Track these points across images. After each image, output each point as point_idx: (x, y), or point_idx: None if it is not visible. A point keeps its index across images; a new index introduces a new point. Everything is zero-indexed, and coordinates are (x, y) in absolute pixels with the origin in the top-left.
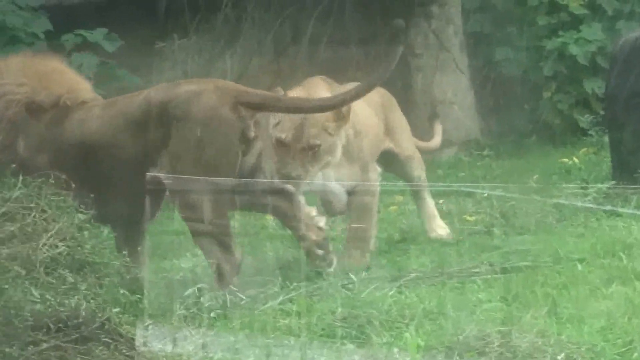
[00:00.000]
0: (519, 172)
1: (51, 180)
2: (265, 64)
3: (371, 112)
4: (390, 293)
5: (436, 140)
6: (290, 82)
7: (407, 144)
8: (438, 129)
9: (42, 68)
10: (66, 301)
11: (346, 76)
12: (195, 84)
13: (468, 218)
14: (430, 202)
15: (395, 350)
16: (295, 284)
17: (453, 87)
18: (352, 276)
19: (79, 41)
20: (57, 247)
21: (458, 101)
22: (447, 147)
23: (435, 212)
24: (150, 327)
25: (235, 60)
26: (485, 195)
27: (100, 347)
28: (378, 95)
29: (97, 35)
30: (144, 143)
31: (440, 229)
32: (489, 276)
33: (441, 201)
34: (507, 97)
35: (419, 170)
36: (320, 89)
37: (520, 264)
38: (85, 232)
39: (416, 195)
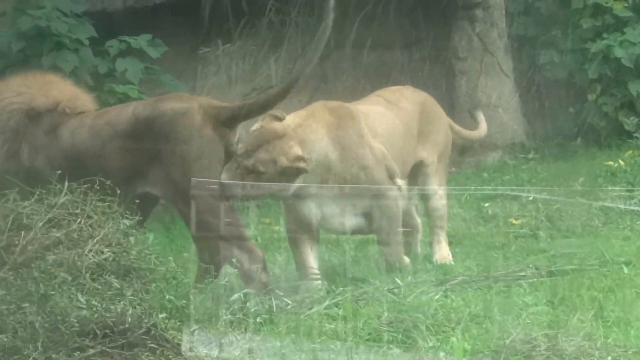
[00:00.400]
0: (565, 175)
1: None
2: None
3: (397, 133)
4: (436, 297)
5: (482, 128)
6: (334, 86)
7: (435, 157)
8: (481, 117)
9: (42, 79)
10: (112, 307)
11: (390, 79)
12: (179, 102)
13: (514, 221)
14: (444, 230)
15: (442, 354)
16: (341, 288)
17: (497, 90)
18: (398, 280)
19: (123, 47)
20: (102, 253)
21: (502, 104)
22: (492, 150)
23: (445, 241)
24: (196, 332)
25: (280, 65)
26: (531, 198)
27: (147, 353)
28: (414, 104)
29: (142, 41)
30: (132, 156)
31: (445, 255)
32: (535, 279)
33: (486, 205)
34: (551, 100)
35: (436, 183)
36: (319, 114)
37: (566, 267)
38: (131, 238)
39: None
